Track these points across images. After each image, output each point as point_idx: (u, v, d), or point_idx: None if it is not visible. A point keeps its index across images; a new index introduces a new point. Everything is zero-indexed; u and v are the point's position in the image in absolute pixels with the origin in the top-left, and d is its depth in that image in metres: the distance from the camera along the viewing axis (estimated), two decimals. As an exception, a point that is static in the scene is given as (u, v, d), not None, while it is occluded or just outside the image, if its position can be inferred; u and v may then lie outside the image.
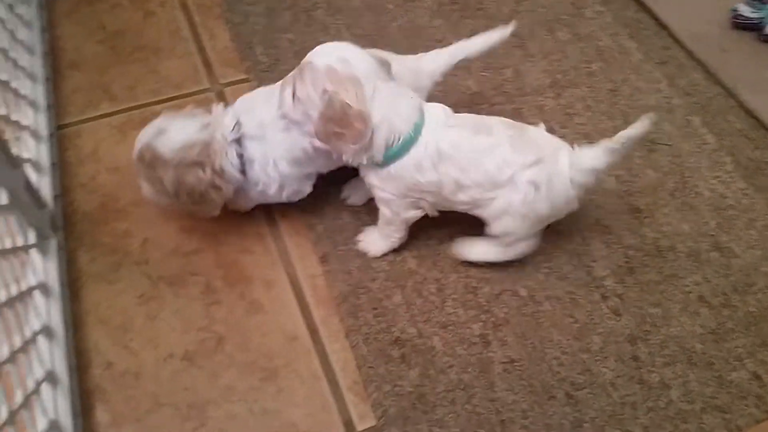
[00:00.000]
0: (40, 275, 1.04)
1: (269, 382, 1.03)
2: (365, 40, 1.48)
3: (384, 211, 1.08)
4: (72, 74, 1.44)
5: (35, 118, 1.27)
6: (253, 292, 1.13)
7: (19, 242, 1.00)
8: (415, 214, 1.07)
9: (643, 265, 1.17)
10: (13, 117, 1.14)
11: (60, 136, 1.31)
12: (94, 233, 1.18)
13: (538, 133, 1.03)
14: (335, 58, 0.94)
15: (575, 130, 1.35)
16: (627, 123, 1.35)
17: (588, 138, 1.33)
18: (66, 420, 0.93)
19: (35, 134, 1.23)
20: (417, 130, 0.98)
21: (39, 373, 0.91)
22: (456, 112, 1.36)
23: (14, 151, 1.03)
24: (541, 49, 1.50)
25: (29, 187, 1.04)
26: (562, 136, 1.32)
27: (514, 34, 1.51)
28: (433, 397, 1.01)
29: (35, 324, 0.96)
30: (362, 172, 1.05)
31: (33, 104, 1.29)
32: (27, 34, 1.40)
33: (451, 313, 1.10)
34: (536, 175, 0.98)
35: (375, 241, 1.15)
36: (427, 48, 1.47)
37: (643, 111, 1.38)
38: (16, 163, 1.01)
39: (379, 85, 0.95)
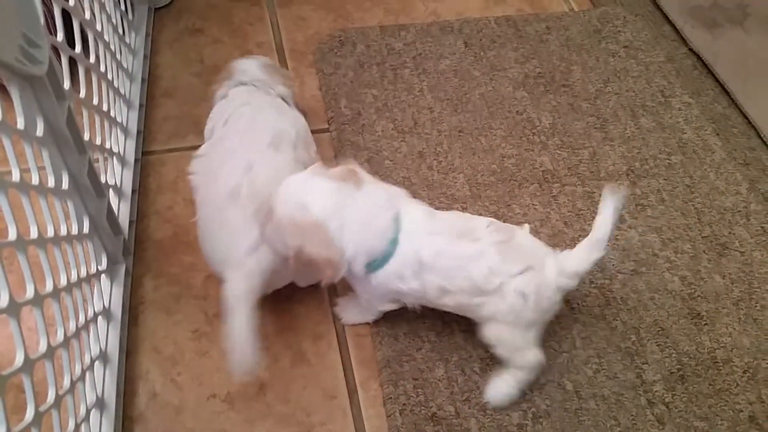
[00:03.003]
0: (105, 301, 1.09)
1: (302, 440, 1.05)
2: (446, 104, 1.51)
3: (360, 299, 1.10)
4: (165, 102, 1.51)
5: (125, 144, 1.33)
6: (300, 342, 1.15)
7: (92, 269, 1.05)
8: (391, 306, 1.08)
9: (695, 375, 1.13)
10: (107, 144, 1.20)
11: (144, 162, 1.38)
12: (162, 262, 1.24)
13: (524, 237, 1.00)
14: (293, 205, 0.92)
15: (646, 223, 1.33)
16: (701, 222, 1.33)
17: (658, 233, 1.31)
18: (107, 446, 0.97)
19: (122, 160, 1.29)
20: (394, 243, 0.96)
21: (91, 398, 0.95)
22: (525, 187, 1.37)
23: (101, 177, 1.09)
24: (621, 134, 1.49)
25: (111, 215, 1.10)
26: (631, 227, 1.32)
27: (595, 115, 1.51)
28: (461, 482, 1.01)
29: (94, 349, 1.00)
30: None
31: (125, 130, 1.35)
32: (131, 61, 1.48)
33: (492, 396, 1.09)
34: (524, 284, 0.95)
35: (351, 310, 1.17)
36: (505, 118, 1.49)
37: (718, 212, 1.35)
38: (102, 192, 1.06)
39: (348, 214, 0.92)
